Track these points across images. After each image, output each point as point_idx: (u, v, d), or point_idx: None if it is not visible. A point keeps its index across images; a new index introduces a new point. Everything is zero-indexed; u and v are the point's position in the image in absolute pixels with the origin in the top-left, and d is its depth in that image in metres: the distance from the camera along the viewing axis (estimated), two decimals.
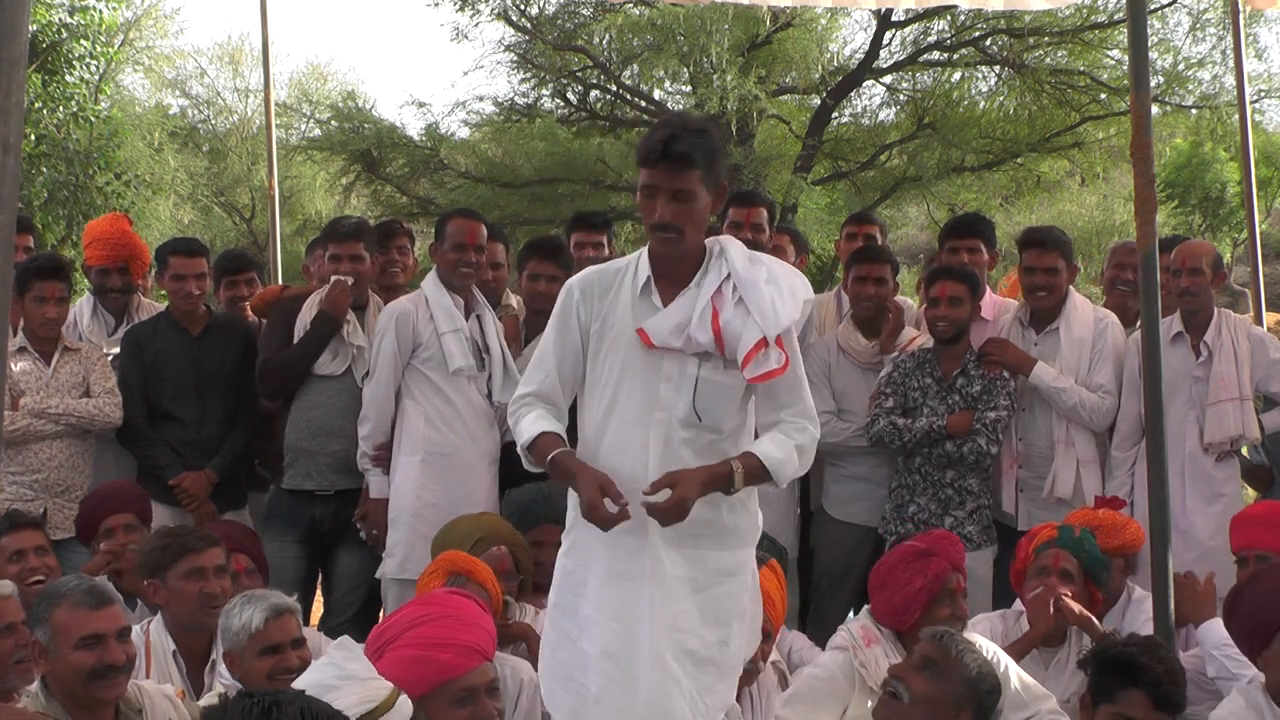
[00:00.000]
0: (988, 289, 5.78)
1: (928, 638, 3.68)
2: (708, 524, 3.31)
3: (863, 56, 16.46)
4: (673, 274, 3.37)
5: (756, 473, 3.30)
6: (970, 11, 14.57)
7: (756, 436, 3.44)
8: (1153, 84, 9.34)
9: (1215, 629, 4.16)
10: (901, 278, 6.39)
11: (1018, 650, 4.24)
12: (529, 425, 3.37)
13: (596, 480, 3.21)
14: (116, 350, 5.72)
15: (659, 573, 3.28)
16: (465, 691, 3.15)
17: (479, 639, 3.24)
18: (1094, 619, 4.31)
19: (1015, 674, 4.06)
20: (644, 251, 3.43)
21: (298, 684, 2.97)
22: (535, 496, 4.77)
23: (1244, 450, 5.58)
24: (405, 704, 2.96)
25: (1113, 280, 5.88)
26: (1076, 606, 4.31)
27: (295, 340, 5.33)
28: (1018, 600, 4.59)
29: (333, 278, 5.31)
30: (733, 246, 3.40)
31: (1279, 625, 3.58)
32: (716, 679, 3.32)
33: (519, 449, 3.42)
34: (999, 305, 5.74)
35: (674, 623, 3.27)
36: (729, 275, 3.33)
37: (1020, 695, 4.01)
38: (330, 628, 4.98)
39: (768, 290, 3.31)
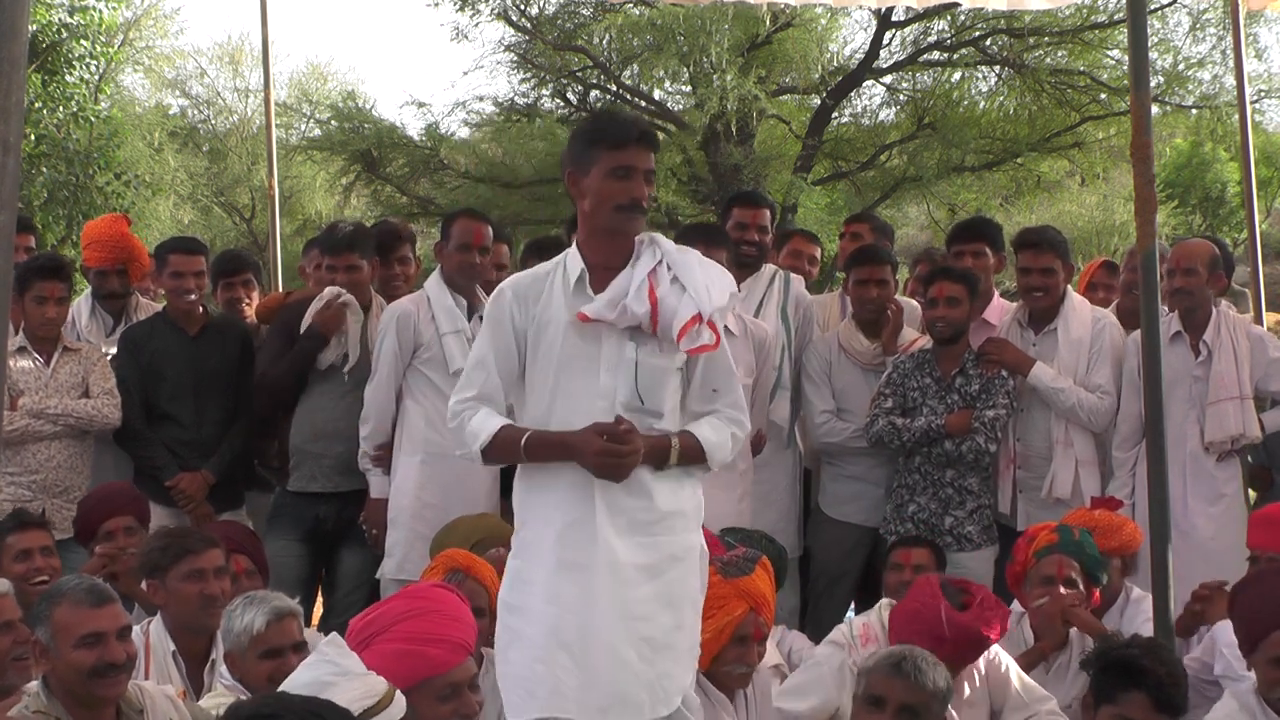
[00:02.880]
0: (995, 293, 5.76)
1: (888, 673, 3.59)
2: (652, 509, 3.34)
3: (863, 56, 16.45)
4: (607, 263, 3.41)
5: (692, 452, 3.37)
6: (970, 11, 14.55)
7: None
8: (1153, 84, 9.34)
9: (1229, 628, 4.17)
10: (901, 276, 6.40)
11: (1027, 662, 4.23)
12: (482, 422, 3.38)
13: (592, 432, 3.25)
14: (115, 350, 5.71)
15: (612, 561, 3.30)
16: (450, 687, 3.18)
17: (465, 634, 3.27)
18: (1103, 625, 4.30)
19: (1015, 674, 4.06)
20: (570, 251, 3.47)
21: (292, 683, 2.97)
22: None
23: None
24: (400, 700, 2.96)
25: (1130, 284, 5.77)
26: (1086, 616, 4.30)
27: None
28: (1016, 600, 4.59)
29: (329, 290, 5.27)
30: (661, 237, 3.49)
31: (1266, 631, 3.58)
32: (673, 663, 3.35)
33: (475, 449, 3.39)
34: (1004, 309, 5.71)
35: (629, 610, 3.29)
36: (662, 259, 3.40)
37: (1020, 696, 4.01)
38: (331, 627, 4.95)
39: (700, 272, 3.39)
